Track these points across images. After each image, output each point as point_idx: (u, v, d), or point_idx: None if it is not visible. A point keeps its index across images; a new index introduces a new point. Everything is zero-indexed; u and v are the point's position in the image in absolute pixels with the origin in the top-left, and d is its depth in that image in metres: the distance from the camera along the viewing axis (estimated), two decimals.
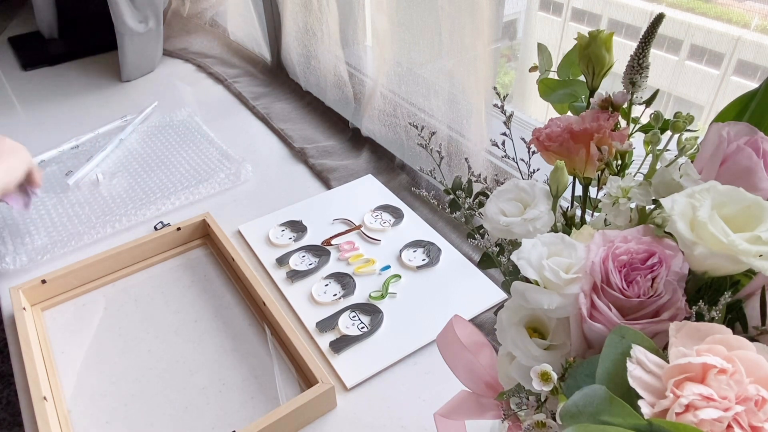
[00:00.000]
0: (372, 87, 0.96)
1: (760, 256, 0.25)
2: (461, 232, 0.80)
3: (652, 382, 0.24)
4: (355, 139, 1.01)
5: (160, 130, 1.05)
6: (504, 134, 0.42)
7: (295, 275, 0.73)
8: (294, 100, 1.14)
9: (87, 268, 0.72)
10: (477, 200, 0.42)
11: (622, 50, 0.39)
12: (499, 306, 0.42)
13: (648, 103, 0.38)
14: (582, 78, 0.42)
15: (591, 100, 0.39)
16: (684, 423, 0.22)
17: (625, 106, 0.38)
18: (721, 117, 0.35)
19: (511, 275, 0.38)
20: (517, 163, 0.43)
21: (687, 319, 0.27)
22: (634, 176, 0.36)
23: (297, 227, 0.81)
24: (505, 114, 0.42)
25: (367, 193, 0.87)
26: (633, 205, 0.33)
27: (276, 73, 1.23)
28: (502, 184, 0.38)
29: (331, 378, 0.61)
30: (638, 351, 0.25)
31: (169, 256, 0.77)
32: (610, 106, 0.38)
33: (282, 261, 0.76)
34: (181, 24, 1.38)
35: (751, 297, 0.29)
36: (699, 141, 0.33)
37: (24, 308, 0.66)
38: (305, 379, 0.61)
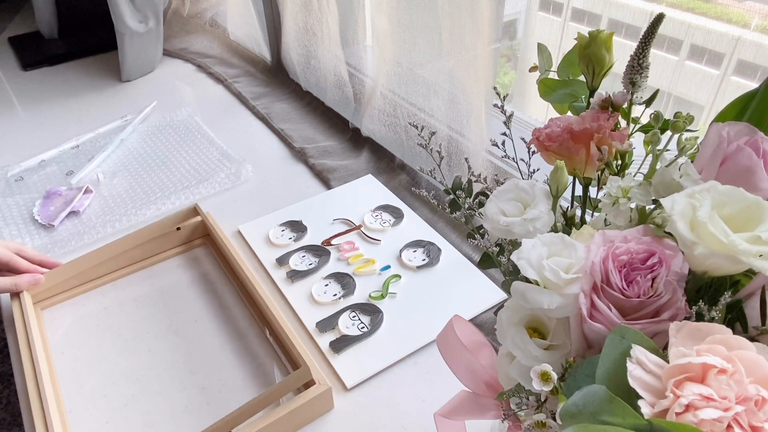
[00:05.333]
0: (372, 87, 0.96)
1: (760, 256, 0.25)
2: (461, 232, 0.80)
3: (652, 382, 0.24)
4: (355, 139, 1.01)
5: (161, 130, 1.05)
6: (504, 134, 0.42)
7: (295, 275, 0.73)
8: (294, 100, 1.14)
9: (84, 263, 0.72)
10: (477, 200, 0.42)
11: (622, 50, 0.39)
12: (499, 306, 0.42)
13: (648, 103, 0.38)
14: (582, 78, 0.42)
15: (591, 100, 0.39)
16: (684, 423, 0.22)
17: (625, 106, 0.38)
18: (721, 117, 0.35)
19: (511, 275, 0.38)
20: (517, 163, 0.43)
21: (687, 319, 0.27)
22: (634, 176, 0.36)
23: (297, 227, 0.81)
24: (505, 114, 0.42)
25: (367, 193, 0.87)
26: (633, 205, 0.33)
27: (276, 73, 1.23)
28: (502, 184, 0.38)
29: (331, 378, 0.61)
30: (638, 351, 0.25)
31: (169, 256, 0.77)
32: (610, 106, 0.38)
33: (282, 261, 0.76)
34: (181, 24, 1.38)
35: (751, 297, 0.29)
36: (699, 141, 0.33)
37: (21, 306, 0.66)
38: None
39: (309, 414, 0.57)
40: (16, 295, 0.67)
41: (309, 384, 0.58)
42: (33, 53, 1.33)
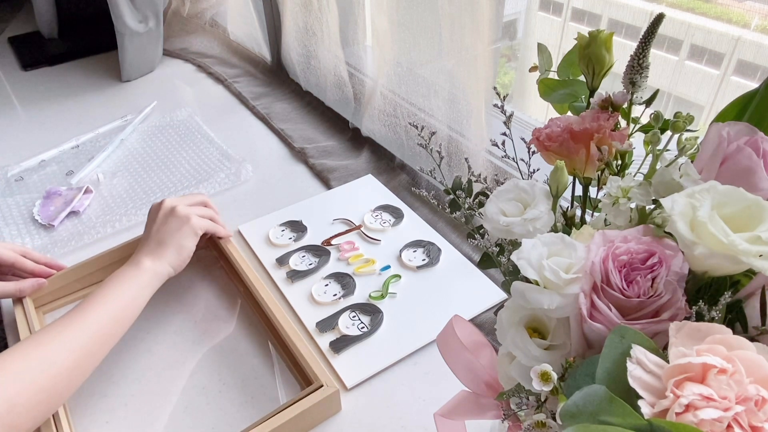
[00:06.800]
0: (372, 87, 0.96)
1: (760, 256, 0.25)
2: (461, 232, 0.80)
3: (652, 382, 0.24)
4: (355, 139, 1.01)
5: (161, 130, 1.05)
6: (504, 134, 0.42)
7: (295, 275, 0.73)
8: (294, 100, 1.14)
9: (87, 268, 0.72)
10: (477, 200, 0.42)
11: (622, 50, 0.39)
12: (499, 306, 0.42)
13: (648, 103, 0.38)
14: (582, 78, 0.42)
15: (591, 100, 0.39)
16: (684, 423, 0.22)
17: (625, 106, 0.38)
18: (721, 117, 0.35)
19: (511, 275, 0.38)
20: (517, 163, 0.43)
21: (687, 319, 0.27)
22: (634, 176, 0.36)
23: (297, 227, 0.81)
24: (505, 114, 0.42)
25: (367, 193, 0.87)
26: (633, 205, 0.33)
27: (276, 73, 1.23)
28: (502, 184, 0.38)
29: (331, 378, 0.61)
30: (638, 351, 0.25)
31: None
32: (610, 106, 0.38)
33: (282, 261, 0.76)
34: (181, 24, 1.38)
35: (751, 297, 0.29)
36: (699, 141, 0.33)
37: (24, 309, 0.66)
38: (307, 380, 0.60)
39: (317, 416, 0.57)
40: (18, 299, 0.67)
41: (310, 382, 0.58)
42: (33, 53, 1.33)
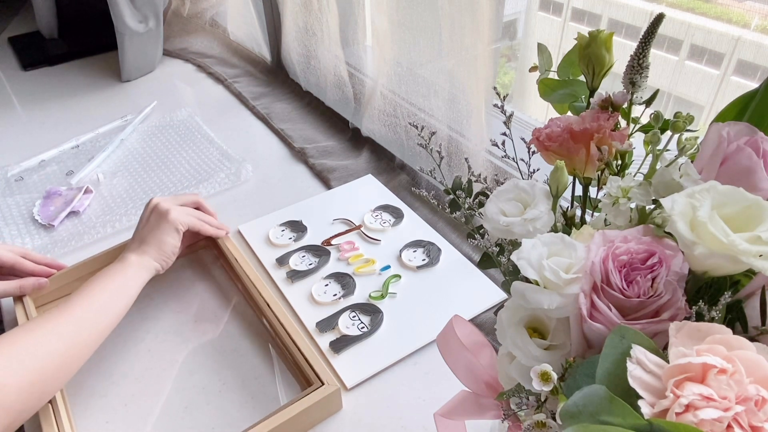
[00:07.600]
0: (372, 87, 0.96)
1: (760, 256, 0.25)
2: (461, 232, 0.80)
3: (652, 382, 0.24)
4: (355, 139, 1.01)
5: (161, 130, 1.05)
6: (504, 134, 0.42)
7: (295, 275, 0.73)
8: (294, 100, 1.14)
9: (87, 268, 0.72)
10: (477, 200, 0.42)
11: (622, 50, 0.39)
12: (499, 306, 0.42)
13: (648, 103, 0.38)
14: (582, 78, 0.42)
15: (591, 100, 0.39)
16: (684, 423, 0.22)
17: (625, 106, 0.38)
18: (721, 117, 0.35)
19: (511, 275, 0.38)
20: (517, 163, 0.43)
21: (687, 319, 0.27)
22: (634, 176, 0.36)
23: (297, 227, 0.81)
24: (505, 114, 0.42)
25: (367, 193, 0.87)
26: (633, 205, 0.33)
27: (276, 73, 1.23)
28: (502, 184, 0.38)
29: (332, 377, 0.61)
30: (638, 351, 0.25)
31: None
32: (610, 106, 0.38)
33: (282, 261, 0.76)
34: (181, 24, 1.38)
35: (751, 297, 0.29)
36: (699, 141, 0.33)
37: (25, 308, 0.66)
38: (307, 380, 0.60)
39: (318, 415, 0.57)
40: (19, 298, 0.67)
41: (311, 383, 0.58)
42: (33, 53, 1.33)
